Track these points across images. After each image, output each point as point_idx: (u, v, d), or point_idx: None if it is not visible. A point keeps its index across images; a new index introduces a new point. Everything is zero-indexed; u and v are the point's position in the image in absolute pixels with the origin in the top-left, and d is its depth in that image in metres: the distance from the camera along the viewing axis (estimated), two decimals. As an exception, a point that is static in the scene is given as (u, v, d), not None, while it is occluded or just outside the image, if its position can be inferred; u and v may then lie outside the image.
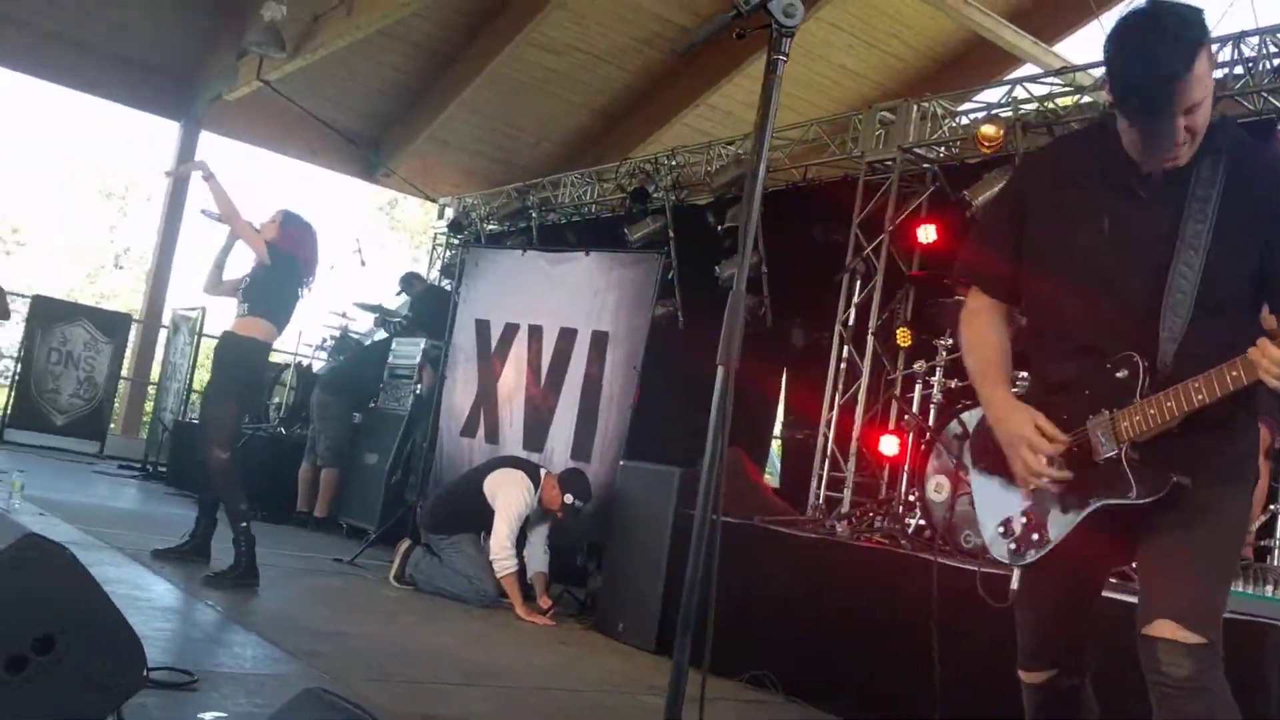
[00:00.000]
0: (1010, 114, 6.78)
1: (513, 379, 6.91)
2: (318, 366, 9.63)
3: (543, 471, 6.15)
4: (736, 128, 12.12)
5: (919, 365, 5.21)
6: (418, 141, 13.62)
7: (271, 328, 5.62)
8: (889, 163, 7.43)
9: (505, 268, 7.30)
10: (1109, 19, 10.50)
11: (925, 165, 7.38)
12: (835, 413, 7.30)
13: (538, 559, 6.07)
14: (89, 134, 27.66)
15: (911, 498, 5.12)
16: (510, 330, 6.95)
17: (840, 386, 7.34)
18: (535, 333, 6.82)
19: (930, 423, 5.22)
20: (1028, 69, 11.65)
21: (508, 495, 5.93)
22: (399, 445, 7.62)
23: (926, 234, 7.06)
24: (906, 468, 5.13)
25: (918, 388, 5.24)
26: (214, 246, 5.75)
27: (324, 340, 10.20)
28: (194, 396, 10.58)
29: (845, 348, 7.32)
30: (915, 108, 7.36)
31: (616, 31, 12.65)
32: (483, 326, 7.13)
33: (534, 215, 10.57)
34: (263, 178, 27.52)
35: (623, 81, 13.47)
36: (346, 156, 13.98)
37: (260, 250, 5.54)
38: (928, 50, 13.10)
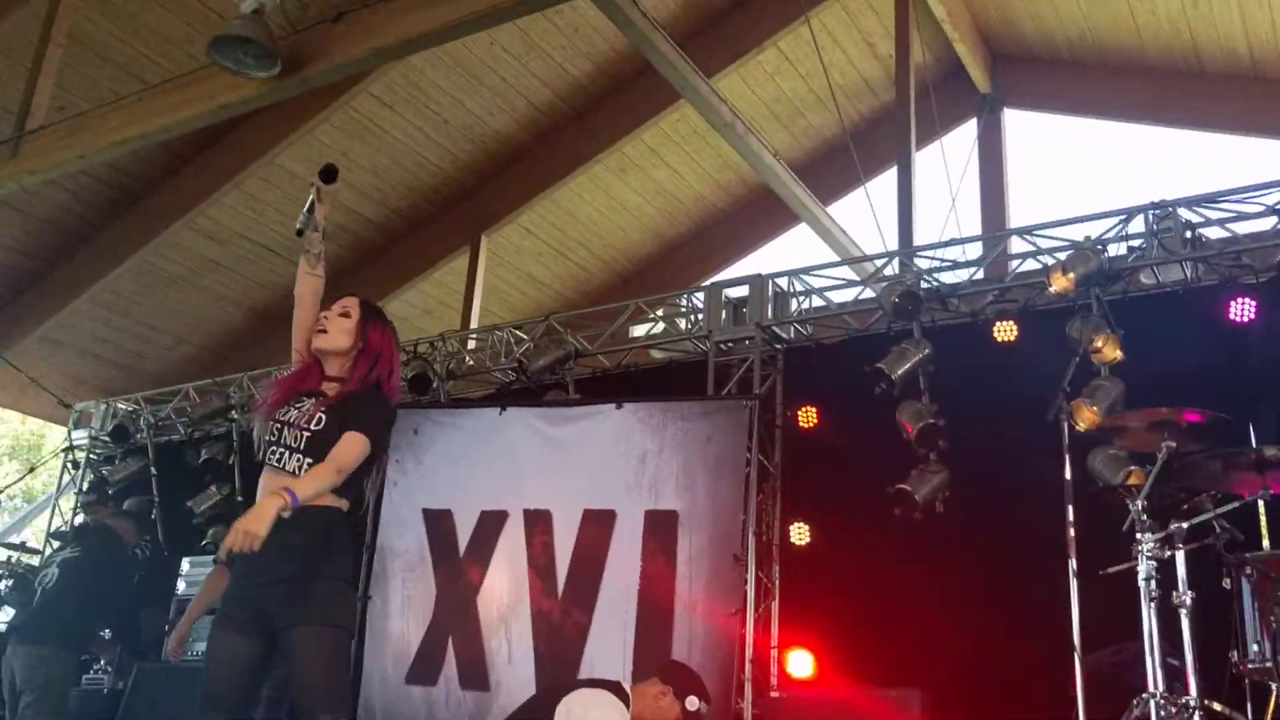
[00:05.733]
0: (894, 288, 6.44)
1: (506, 589, 4.89)
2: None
3: (626, 686, 4.29)
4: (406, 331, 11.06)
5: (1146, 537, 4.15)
6: (26, 341, 10.99)
7: None
8: (744, 343, 6.82)
9: (472, 435, 5.34)
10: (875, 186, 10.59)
11: (778, 345, 6.87)
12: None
13: None
14: None
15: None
16: (492, 521, 4.97)
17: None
18: (537, 521, 4.92)
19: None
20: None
21: None
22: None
23: (808, 417, 6.47)
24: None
25: (1142, 550, 4.17)
26: None
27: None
28: None
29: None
30: (770, 284, 6.89)
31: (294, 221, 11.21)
32: (437, 520, 5.08)
33: (235, 415, 8.66)
34: None
35: (291, 277, 11.86)
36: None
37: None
38: (613, 261, 12.96)
